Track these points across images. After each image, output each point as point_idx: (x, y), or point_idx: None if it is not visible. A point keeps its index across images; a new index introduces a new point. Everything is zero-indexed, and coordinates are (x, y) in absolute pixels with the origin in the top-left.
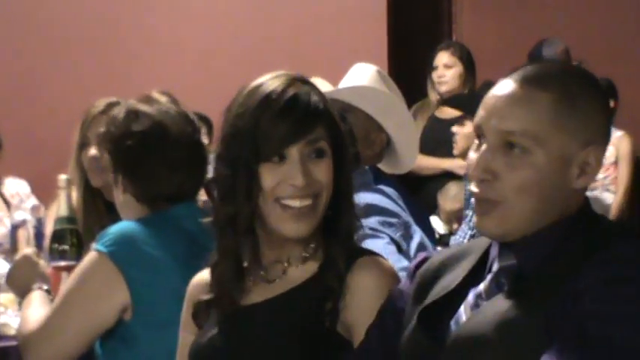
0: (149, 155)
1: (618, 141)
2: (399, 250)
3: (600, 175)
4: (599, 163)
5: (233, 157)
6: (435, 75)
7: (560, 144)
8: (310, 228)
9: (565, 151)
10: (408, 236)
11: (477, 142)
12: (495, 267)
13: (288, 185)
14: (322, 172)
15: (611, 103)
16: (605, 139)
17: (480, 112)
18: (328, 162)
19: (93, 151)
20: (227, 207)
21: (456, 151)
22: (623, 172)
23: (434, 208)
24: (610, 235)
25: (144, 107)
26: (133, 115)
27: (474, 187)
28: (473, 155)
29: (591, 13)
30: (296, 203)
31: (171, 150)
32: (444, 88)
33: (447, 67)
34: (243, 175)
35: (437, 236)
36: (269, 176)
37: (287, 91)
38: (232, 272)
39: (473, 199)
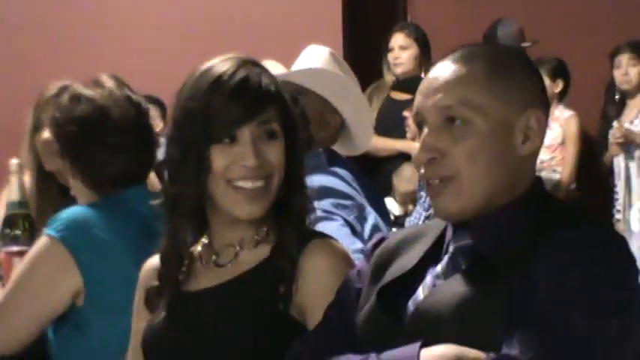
0: (90, 140)
1: (566, 122)
2: (354, 232)
3: (547, 156)
4: (541, 127)
5: (183, 138)
6: (390, 56)
7: (498, 110)
8: (263, 209)
9: (505, 117)
10: (362, 218)
11: (417, 129)
12: (452, 248)
13: (239, 166)
14: (274, 153)
15: (560, 83)
16: (544, 104)
17: (417, 98)
18: (280, 143)
19: (46, 134)
20: (175, 188)
21: (409, 135)
22: (570, 153)
23: (389, 190)
24: (562, 217)
25: (87, 91)
26: (76, 99)
27: (423, 170)
28: (417, 141)
29: None
30: (248, 184)
31: (112, 134)
32: (399, 70)
33: (403, 48)
34: (192, 156)
35: (392, 218)
36: (220, 157)
37: (238, 73)
38: (177, 255)
39: (421, 179)
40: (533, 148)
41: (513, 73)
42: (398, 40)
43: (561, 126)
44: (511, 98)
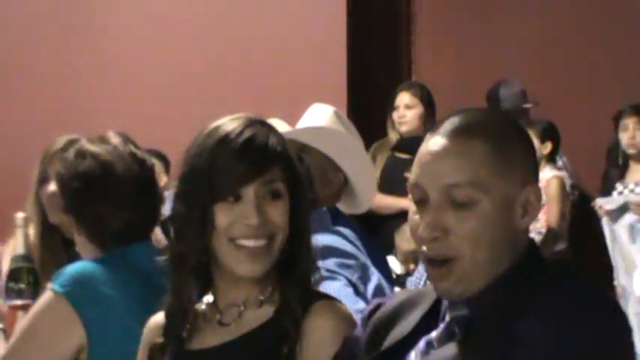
0: (94, 196)
1: (547, 182)
2: (357, 292)
3: None
4: (538, 200)
5: (189, 195)
6: (395, 115)
7: (501, 188)
8: (264, 268)
9: (507, 194)
10: (365, 278)
11: (416, 201)
12: (448, 317)
13: (242, 225)
14: (278, 213)
15: (549, 145)
16: (537, 177)
17: (416, 171)
18: (284, 203)
19: (52, 187)
20: (180, 244)
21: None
22: (552, 214)
23: (392, 248)
24: (555, 282)
25: (93, 147)
26: (82, 155)
27: (425, 249)
28: (415, 217)
29: (549, 50)
30: (250, 243)
31: (115, 189)
32: (404, 129)
33: (408, 107)
34: (197, 213)
35: (394, 277)
36: (224, 215)
37: (244, 132)
38: (182, 312)
39: (421, 258)
40: (530, 220)
41: (514, 150)
42: (404, 99)
43: (543, 187)
44: (512, 175)
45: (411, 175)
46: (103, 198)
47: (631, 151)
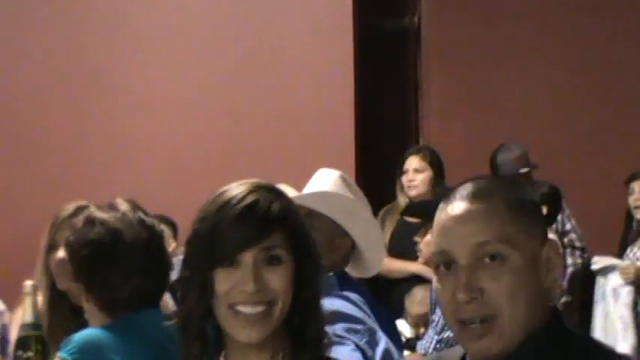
0: (103, 263)
1: None
2: (365, 356)
3: None
4: (558, 258)
5: (192, 260)
6: (404, 179)
7: (527, 244)
8: (263, 335)
9: (533, 250)
10: (373, 342)
11: (441, 269)
12: None
13: (240, 291)
14: (277, 279)
15: (545, 208)
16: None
17: (439, 238)
18: (285, 269)
19: (61, 253)
20: (184, 309)
21: (421, 260)
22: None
23: (401, 312)
24: (578, 351)
25: (101, 214)
26: (90, 223)
27: (462, 311)
28: (438, 285)
29: (554, 116)
30: (247, 309)
31: (124, 256)
32: (413, 193)
33: (417, 171)
34: (198, 277)
35: (404, 340)
36: (223, 281)
37: (247, 198)
38: None
39: (453, 323)
40: (553, 279)
41: (529, 209)
42: (413, 163)
43: None
44: (534, 232)
45: (433, 244)
46: (112, 265)
47: (638, 216)
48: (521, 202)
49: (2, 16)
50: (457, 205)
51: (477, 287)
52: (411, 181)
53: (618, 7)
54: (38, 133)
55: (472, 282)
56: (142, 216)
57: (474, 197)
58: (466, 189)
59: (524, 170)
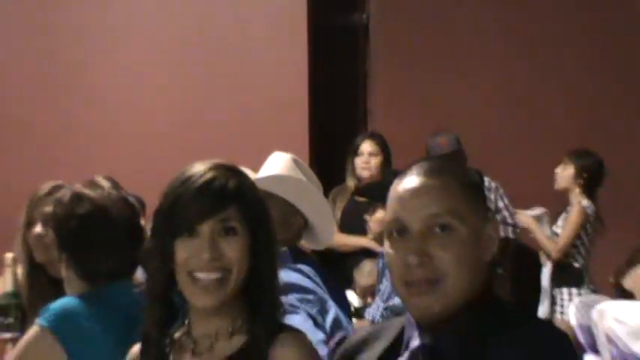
0: (90, 236)
1: None
2: (316, 324)
3: None
4: (497, 235)
5: (155, 231)
6: (360, 161)
7: (473, 220)
8: (218, 301)
9: (477, 227)
10: (324, 311)
11: (394, 235)
12: (412, 345)
13: (197, 259)
14: (232, 249)
15: None
16: (491, 213)
17: (394, 207)
18: (239, 240)
19: (38, 229)
20: (151, 279)
21: (370, 236)
22: None
23: (350, 283)
24: (512, 318)
25: (87, 191)
26: (77, 198)
27: (410, 272)
28: (390, 250)
29: (489, 107)
30: (204, 276)
31: (110, 232)
32: (366, 174)
33: (372, 154)
34: (159, 247)
35: (352, 309)
36: (182, 250)
37: (206, 174)
38: (157, 347)
39: (400, 283)
40: (490, 255)
41: (474, 189)
42: (367, 147)
43: None
44: (479, 209)
45: (388, 213)
46: (97, 239)
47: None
48: (470, 182)
49: None
50: (414, 179)
51: (427, 253)
52: (366, 163)
53: (546, 14)
54: (17, 118)
55: (423, 247)
56: (124, 194)
57: (429, 173)
58: (422, 166)
59: (444, 153)
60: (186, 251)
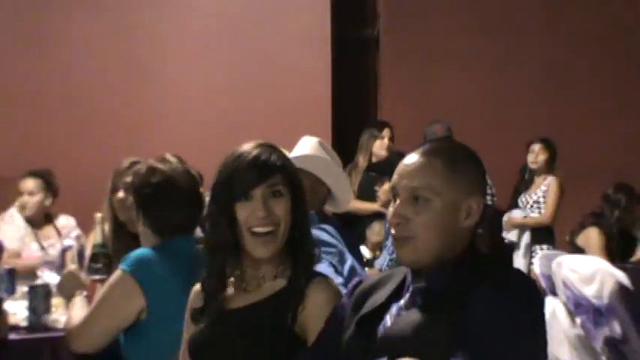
0: (160, 200)
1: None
2: (336, 271)
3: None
4: (479, 208)
5: (217, 199)
6: (381, 143)
7: (451, 194)
8: (273, 251)
9: (454, 200)
10: (342, 261)
11: (392, 199)
12: (411, 288)
13: (253, 217)
14: (279, 207)
15: None
16: (483, 190)
17: (395, 177)
18: (284, 200)
19: (121, 194)
20: (214, 235)
21: (379, 202)
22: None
23: (363, 240)
24: (490, 268)
25: (159, 165)
26: (151, 170)
27: (393, 230)
28: (391, 208)
29: (471, 100)
30: (261, 230)
31: (176, 197)
32: (385, 154)
33: (389, 139)
34: (221, 211)
35: (365, 260)
36: (241, 211)
37: (252, 152)
38: (216, 286)
39: (391, 235)
40: (472, 222)
41: (464, 167)
42: (388, 133)
43: None
44: (461, 185)
45: (392, 181)
46: (166, 202)
47: (533, 167)
48: (456, 162)
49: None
50: (411, 157)
51: (405, 216)
52: (385, 145)
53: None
54: (103, 105)
55: (401, 211)
56: (187, 167)
57: (423, 153)
58: (424, 147)
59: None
60: (245, 212)
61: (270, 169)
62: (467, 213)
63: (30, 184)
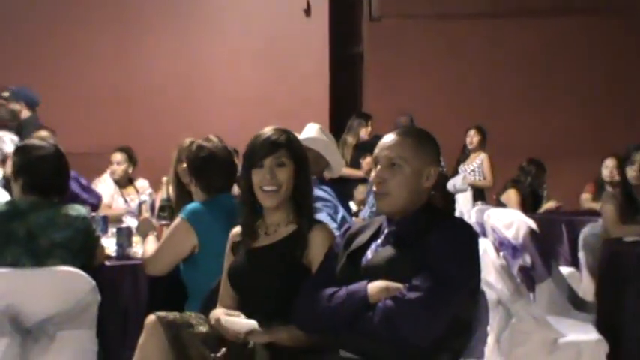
0: (206, 169)
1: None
2: (332, 219)
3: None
4: (435, 174)
5: (243, 167)
6: (366, 129)
7: (416, 163)
8: (276, 203)
9: (419, 167)
10: (336, 212)
11: (374, 166)
12: (386, 231)
13: (263, 179)
14: (282, 174)
15: None
16: (438, 162)
17: (376, 150)
18: (287, 169)
19: (183, 165)
20: (242, 193)
21: (363, 171)
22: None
23: (352, 197)
24: (441, 217)
25: (205, 143)
26: (199, 147)
27: (374, 188)
28: (373, 174)
29: (436, 101)
30: (267, 188)
31: (217, 166)
32: (366, 137)
33: (371, 126)
34: (245, 175)
35: (352, 212)
36: (255, 175)
37: (267, 134)
38: (246, 228)
39: (372, 192)
40: (430, 184)
41: (426, 144)
42: (370, 123)
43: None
44: (423, 157)
45: (374, 154)
46: (210, 170)
47: (470, 146)
48: (421, 140)
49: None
50: (389, 136)
51: (383, 177)
52: (370, 131)
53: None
54: (168, 97)
55: (381, 174)
56: (225, 145)
57: (398, 134)
58: (398, 130)
59: (404, 124)
60: (258, 176)
61: (276, 146)
62: (427, 177)
63: (118, 156)
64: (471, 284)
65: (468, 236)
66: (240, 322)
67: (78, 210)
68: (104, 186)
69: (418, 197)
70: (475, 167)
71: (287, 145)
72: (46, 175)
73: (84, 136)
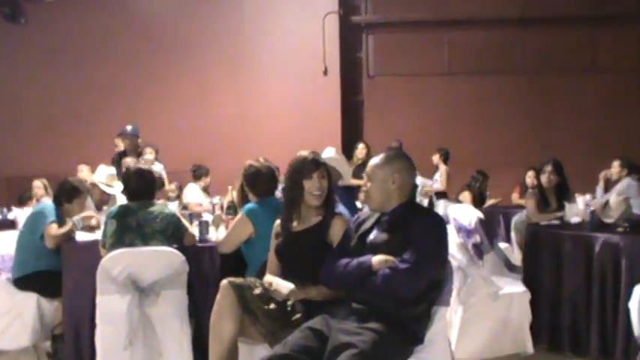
0: (255, 181)
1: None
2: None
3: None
4: (402, 179)
5: (292, 178)
6: (361, 152)
7: (382, 175)
8: (321, 202)
9: (385, 177)
10: (347, 207)
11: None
12: (382, 220)
13: (314, 187)
14: (324, 183)
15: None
16: (404, 171)
17: (366, 169)
18: (326, 180)
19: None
20: (290, 194)
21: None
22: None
23: (357, 198)
24: (421, 209)
25: (254, 163)
26: (250, 166)
27: (363, 196)
28: (364, 188)
29: (428, 123)
30: (317, 193)
31: (263, 179)
32: (365, 157)
33: (367, 153)
34: (298, 184)
35: (358, 208)
36: (307, 184)
37: (310, 155)
38: (288, 219)
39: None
40: (397, 187)
41: (393, 161)
42: (365, 148)
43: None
44: (387, 170)
45: (365, 171)
46: (259, 183)
47: (435, 163)
48: (388, 159)
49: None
50: (373, 159)
51: (365, 186)
52: (366, 153)
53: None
54: (231, 126)
55: (364, 185)
56: (269, 163)
57: (376, 157)
58: (383, 153)
59: (395, 147)
60: (309, 184)
61: (320, 164)
62: (392, 182)
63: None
64: (442, 256)
65: (440, 224)
66: (283, 284)
67: (169, 208)
68: (194, 192)
69: (390, 196)
70: (437, 177)
71: (323, 163)
72: (142, 186)
73: (179, 156)
